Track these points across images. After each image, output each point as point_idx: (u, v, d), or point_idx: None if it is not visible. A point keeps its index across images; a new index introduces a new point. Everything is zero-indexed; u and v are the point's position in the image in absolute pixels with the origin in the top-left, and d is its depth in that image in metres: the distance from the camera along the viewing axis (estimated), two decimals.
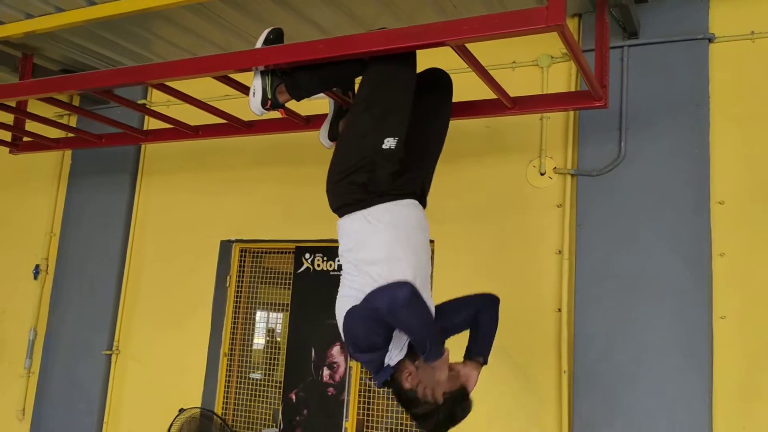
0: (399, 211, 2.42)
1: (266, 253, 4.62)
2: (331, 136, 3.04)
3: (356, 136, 2.46)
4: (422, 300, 2.19)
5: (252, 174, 4.46)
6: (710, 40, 3.33)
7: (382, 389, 3.98)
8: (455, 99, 3.08)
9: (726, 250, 3.18)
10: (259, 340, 4.64)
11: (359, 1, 3.62)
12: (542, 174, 3.60)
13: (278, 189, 4.36)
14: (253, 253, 4.62)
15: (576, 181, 3.49)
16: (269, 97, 2.65)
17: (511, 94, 3.08)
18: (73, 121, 4.98)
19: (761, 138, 3.21)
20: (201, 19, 3.98)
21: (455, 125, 3.61)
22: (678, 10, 3.38)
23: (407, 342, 2.34)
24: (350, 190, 2.39)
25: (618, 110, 3.40)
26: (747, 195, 3.20)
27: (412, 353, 2.34)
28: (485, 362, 2.61)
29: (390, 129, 2.40)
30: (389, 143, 2.38)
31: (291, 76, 2.65)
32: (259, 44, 2.66)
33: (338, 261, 4.16)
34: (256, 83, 2.67)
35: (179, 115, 3.86)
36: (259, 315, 4.63)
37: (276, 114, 3.25)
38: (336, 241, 4.07)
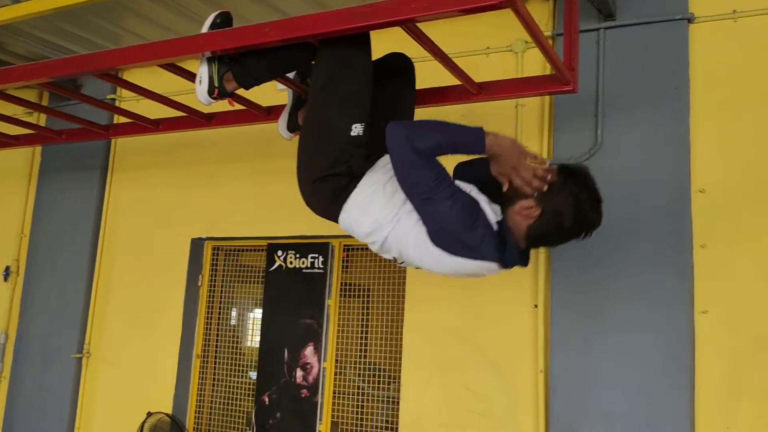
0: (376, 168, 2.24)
1: (241, 250, 4.48)
2: (290, 127, 2.91)
3: (322, 129, 2.27)
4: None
5: (223, 169, 4.32)
6: (690, 21, 3.17)
7: (356, 393, 3.86)
8: (424, 85, 2.94)
9: (708, 241, 3.03)
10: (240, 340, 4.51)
11: None
12: None
13: (250, 184, 4.22)
14: (226, 250, 4.48)
15: None
16: (216, 85, 2.50)
17: (487, 81, 2.94)
18: (42, 120, 4.84)
19: (744, 122, 3.05)
20: (168, 12, 3.85)
21: (430, 115, 3.49)
22: None
23: (486, 198, 2.09)
24: (333, 182, 2.20)
25: (594, 96, 3.25)
26: (729, 183, 3.04)
27: (502, 202, 2.09)
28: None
29: (355, 115, 2.24)
30: (357, 130, 2.22)
31: (239, 63, 2.50)
32: (204, 29, 2.51)
33: (311, 258, 4.04)
34: (202, 71, 2.51)
35: (148, 108, 3.71)
36: (234, 314, 4.50)
37: (236, 105, 3.13)
38: (309, 237, 4.01)
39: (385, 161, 2.21)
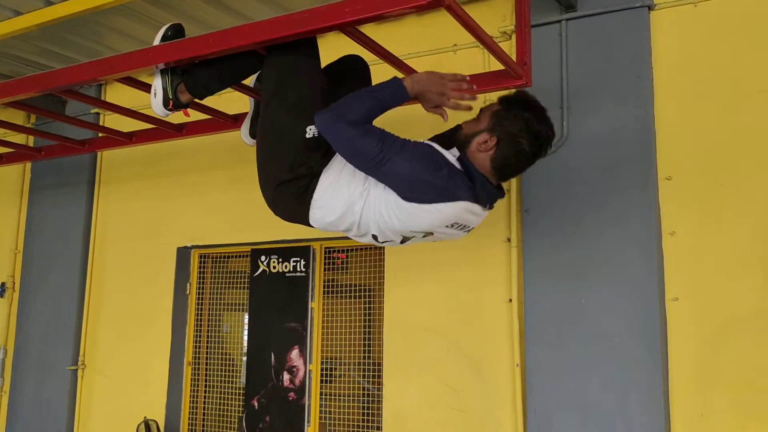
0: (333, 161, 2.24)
1: (227, 257, 4.53)
2: (252, 134, 2.94)
3: (277, 135, 2.29)
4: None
5: (206, 177, 4.38)
6: (650, 8, 3.15)
7: (335, 385, 3.89)
8: None
9: (676, 228, 3.01)
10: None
11: None
12: None
13: (232, 191, 4.26)
14: (213, 258, 4.53)
15: None
16: (170, 97, 2.55)
17: None
18: (30, 140, 4.91)
19: (707, 107, 3.03)
20: (144, 26, 3.91)
21: (403, 113, 3.51)
22: None
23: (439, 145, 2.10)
24: (296, 185, 2.22)
25: (558, 88, 3.25)
26: (696, 168, 3.02)
27: (458, 146, 2.14)
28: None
29: (308, 118, 2.24)
30: (312, 131, 2.24)
31: (190, 74, 2.54)
32: (156, 42, 2.56)
33: (293, 262, 4.08)
34: (156, 83, 2.56)
35: (129, 121, 3.74)
36: (225, 320, 4.54)
37: (193, 116, 3.17)
38: (291, 241, 4.04)
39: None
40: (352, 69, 2.71)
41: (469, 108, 2.15)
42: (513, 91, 2.16)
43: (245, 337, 4.45)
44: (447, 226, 2.12)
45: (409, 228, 2.11)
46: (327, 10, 2.13)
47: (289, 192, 2.24)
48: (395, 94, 2.09)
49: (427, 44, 3.69)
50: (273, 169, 2.27)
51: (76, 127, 3.92)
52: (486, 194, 2.11)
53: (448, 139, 2.23)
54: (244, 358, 4.34)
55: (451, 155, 2.08)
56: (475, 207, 2.09)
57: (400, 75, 2.72)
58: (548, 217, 3.22)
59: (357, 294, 3.88)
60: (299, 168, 2.21)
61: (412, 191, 2.02)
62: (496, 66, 3.47)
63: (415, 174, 2.00)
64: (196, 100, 2.69)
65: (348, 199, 2.15)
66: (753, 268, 2.85)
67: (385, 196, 2.07)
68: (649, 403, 2.90)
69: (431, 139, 2.22)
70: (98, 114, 4.74)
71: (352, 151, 2.05)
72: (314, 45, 2.41)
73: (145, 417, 4.17)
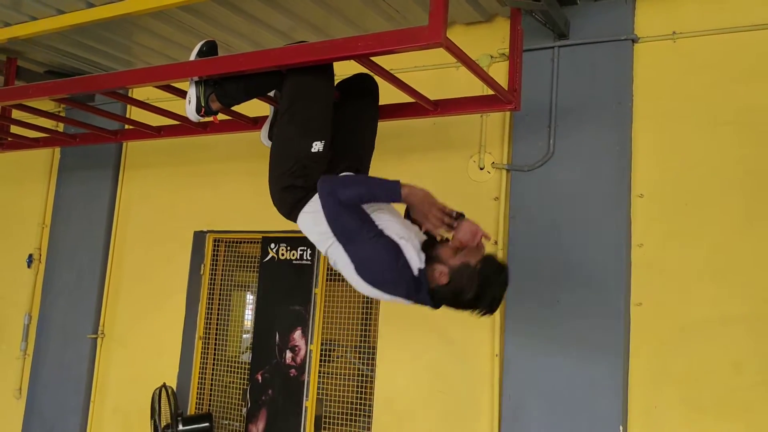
0: None
1: (239, 242, 4.90)
2: (271, 136, 3.29)
3: (286, 145, 2.68)
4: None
5: (223, 168, 4.74)
6: (634, 41, 3.49)
7: (333, 365, 4.27)
8: (392, 101, 3.31)
9: (644, 240, 3.37)
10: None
11: (310, 9, 3.85)
12: (481, 168, 3.81)
13: (247, 182, 4.62)
14: (226, 242, 4.91)
15: (510, 175, 3.70)
16: (203, 105, 2.91)
17: (456, 94, 3.33)
18: (60, 125, 5.26)
19: (679, 134, 3.38)
20: (171, 27, 4.23)
21: (405, 122, 3.87)
22: (606, 12, 3.55)
23: (419, 247, 2.40)
24: (293, 194, 2.62)
25: (548, 108, 3.59)
26: (665, 188, 3.37)
27: (430, 256, 2.38)
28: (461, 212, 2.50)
29: (315, 133, 2.64)
30: (317, 146, 2.62)
31: (221, 86, 2.89)
32: (192, 56, 2.91)
33: (300, 250, 4.45)
34: (191, 92, 2.92)
35: (154, 114, 4.11)
36: (234, 300, 4.93)
37: (225, 116, 3.53)
38: (298, 232, 4.36)
39: None
40: (362, 86, 3.07)
41: (440, 236, 2.45)
42: (500, 260, 2.44)
43: (246, 316, 4.89)
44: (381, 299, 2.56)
45: (353, 285, 2.51)
46: (344, 43, 2.49)
47: (287, 198, 2.64)
48: (389, 194, 2.38)
49: (431, 59, 4.01)
50: (278, 175, 2.66)
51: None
52: (422, 301, 2.44)
53: (430, 241, 2.49)
54: (245, 335, 4.84)
55: (418, 261, 2.35)
56: (407, 301, 2.45)
57: (403, 93, 3.11)
58: (531, 224, 3.58)
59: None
60: (298, 178, 2.59)
61: (365, 272, 2.39)
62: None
63: (372, 263, 2.36)
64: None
65: (322, 234, 2.52)
66: (708, 281, 3.22)
67: (345, 257, 2.43)
68: (609, 394, 3.27)
69: (426, 235, 2.54)
70: (125, 104, 5.09)
71: (334, 223, 2.39)
72: (330, 67, 2.77)
73: (164, 383, 4.57)
